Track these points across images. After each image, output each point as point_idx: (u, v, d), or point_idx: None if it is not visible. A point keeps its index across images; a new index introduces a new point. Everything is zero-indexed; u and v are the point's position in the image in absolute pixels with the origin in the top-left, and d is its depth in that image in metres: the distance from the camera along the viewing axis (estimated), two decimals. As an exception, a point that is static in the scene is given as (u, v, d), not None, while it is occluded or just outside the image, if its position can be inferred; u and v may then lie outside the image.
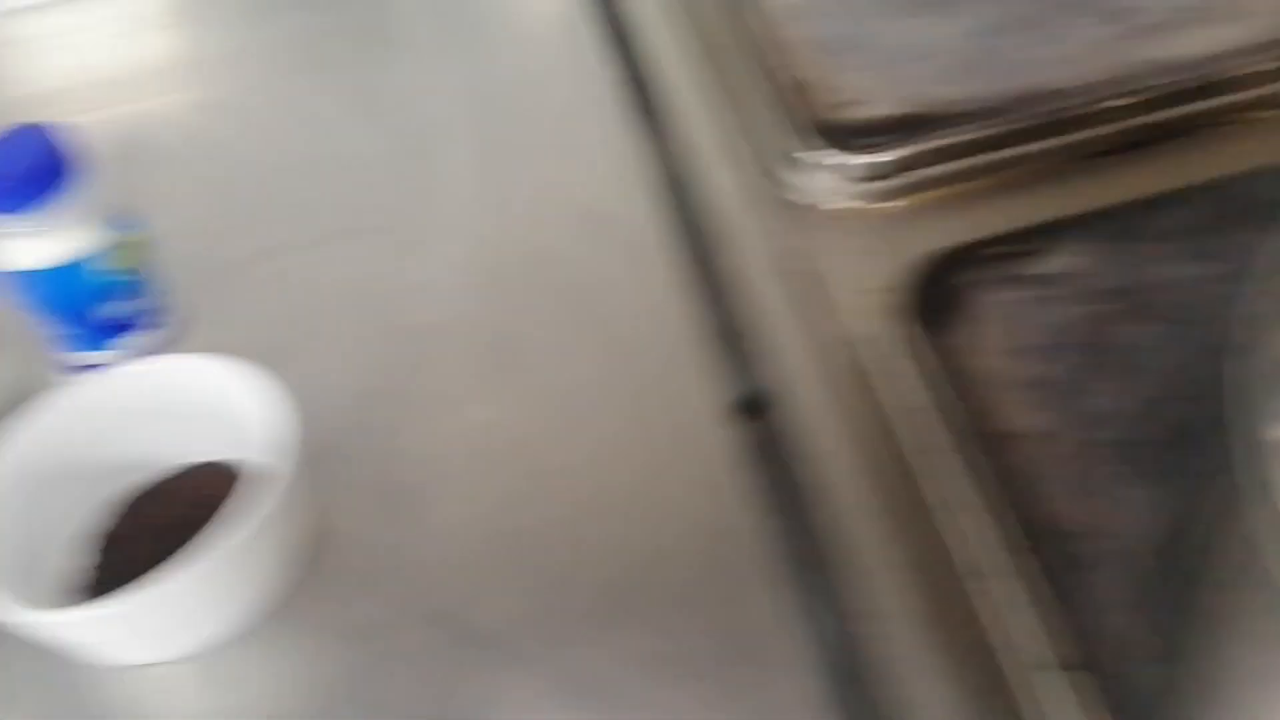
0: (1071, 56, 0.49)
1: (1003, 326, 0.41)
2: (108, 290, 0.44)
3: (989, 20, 0.52)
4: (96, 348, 0.45)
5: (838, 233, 0.47)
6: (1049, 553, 0.34)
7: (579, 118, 0.55)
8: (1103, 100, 0.47)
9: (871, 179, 0.47)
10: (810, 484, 0.39)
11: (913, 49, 0.51)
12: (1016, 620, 0.33)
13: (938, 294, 0.41)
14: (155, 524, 0.39)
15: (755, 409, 0.42)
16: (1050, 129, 0.47)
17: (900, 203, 0.47)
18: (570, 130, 0.54)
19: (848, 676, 0.35)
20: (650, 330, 0.45)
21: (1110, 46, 0.49)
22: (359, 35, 0.62)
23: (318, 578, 0.39)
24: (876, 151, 0.47)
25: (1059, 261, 0.43)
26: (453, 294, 0.48)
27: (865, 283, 0.43)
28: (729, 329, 0.45)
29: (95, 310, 0.44)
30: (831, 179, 0.48)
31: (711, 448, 0.41)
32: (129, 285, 0.44)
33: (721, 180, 0.50)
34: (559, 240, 0.49)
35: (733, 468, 0.40)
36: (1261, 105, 0.48)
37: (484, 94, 0.57)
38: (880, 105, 0.49)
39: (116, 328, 0.45)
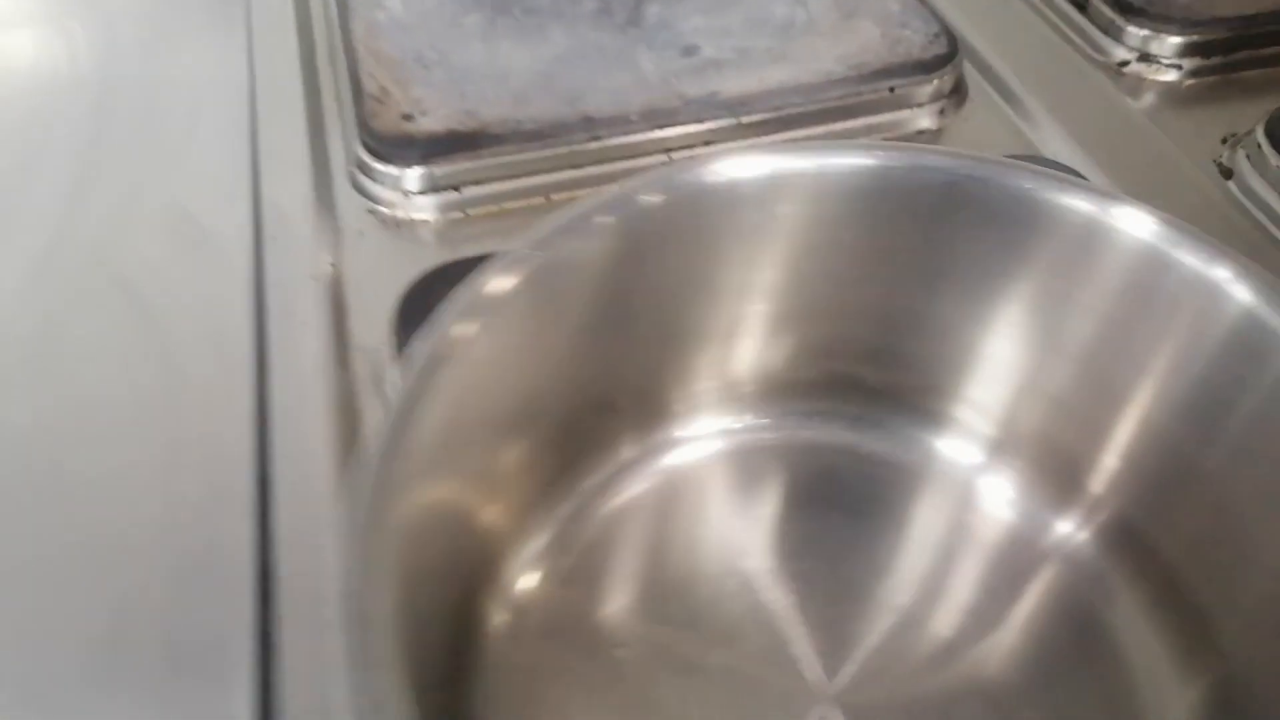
0: (625, 87, 0.52)
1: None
2: None
3: (567, 48, 0.55)
4: None
5: (377, 242, 0.48)
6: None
7: (183, 116, 0.55)
8: (633, 129, 0.50)
9: (420, 191, 0.49)
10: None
11: (492, 70, 0.53)
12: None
13: (419, 309, 0.43)
14: None
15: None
16: (589, 156, 0.50)
17: (446, 215, 0.49)
18: (170, 129, 0.54)
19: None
20: (208, 340, 0.45)
21: (663, 81, 0.53)
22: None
23: None
24: (428, 164, 0.49)
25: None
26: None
27: (382, 294, 0.45)
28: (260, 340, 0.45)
29: None
30: (381, 189, 0.49)
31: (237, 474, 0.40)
32: None
33: (289, 185, 0.51)
34: (137, 242, 0.48)
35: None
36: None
37: (85, 80, 0.57)
38: (442, 119, 0.50)
39: None
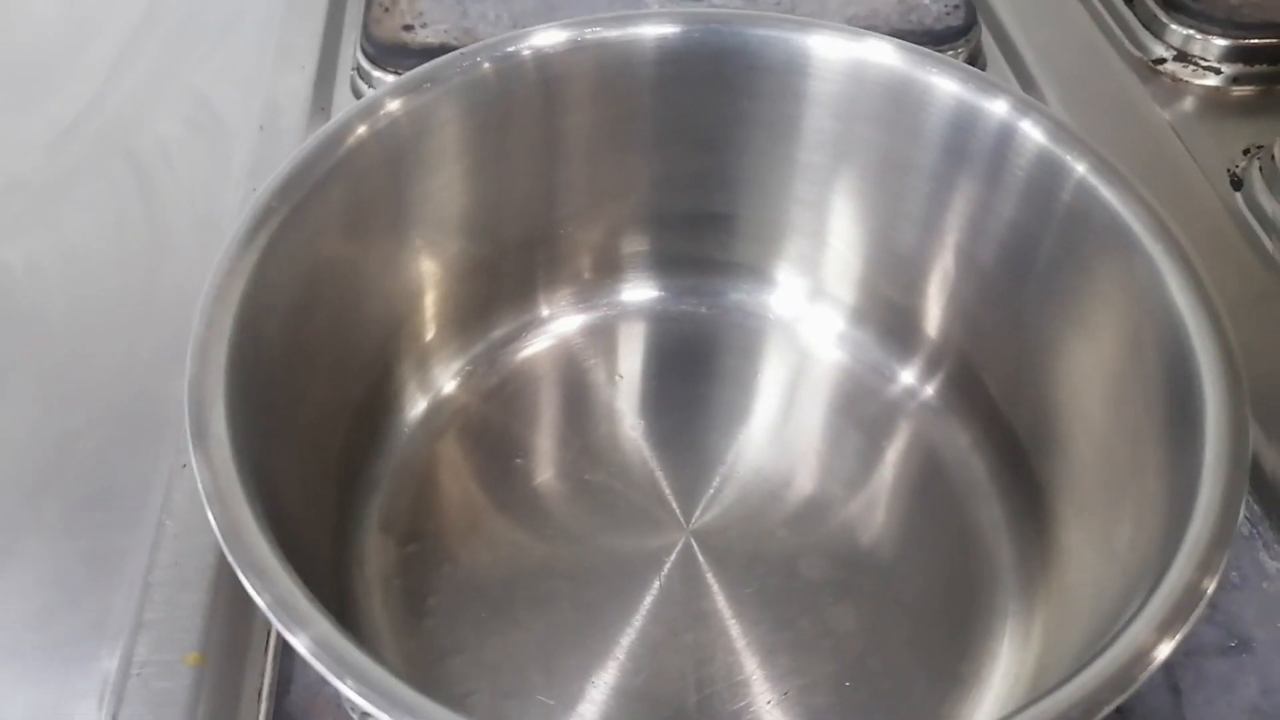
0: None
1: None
2: None
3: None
4: None
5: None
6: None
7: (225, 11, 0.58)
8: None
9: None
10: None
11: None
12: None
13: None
14: None
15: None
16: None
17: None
18: (211, 22, 0.58)
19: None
20: (196, 218, 0.48)
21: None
22: None
23: None
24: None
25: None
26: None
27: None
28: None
29: None
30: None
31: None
32: None
33: (292, 83, 0.53)
34: (154, 121, 0.52)
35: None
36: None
37: None
38: (439, 33, 0.52)
39: None
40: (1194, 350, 0.29)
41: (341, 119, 0.35)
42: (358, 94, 0.52)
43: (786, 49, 0.38)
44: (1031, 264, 0.36)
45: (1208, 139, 0.51)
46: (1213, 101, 0.53)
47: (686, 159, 0.41)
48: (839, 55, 0.38)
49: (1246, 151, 0.50)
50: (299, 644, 0.24)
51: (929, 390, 0.42)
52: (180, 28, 0.58)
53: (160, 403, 0.40)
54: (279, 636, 0.34)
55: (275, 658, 0.34)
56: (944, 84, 0.36)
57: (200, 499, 0.33)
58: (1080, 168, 0.34)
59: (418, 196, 0.38)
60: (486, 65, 0.37)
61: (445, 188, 0.38)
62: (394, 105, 0.36)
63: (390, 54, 0.52)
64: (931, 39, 0.52)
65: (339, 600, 0.34)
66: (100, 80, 0.54)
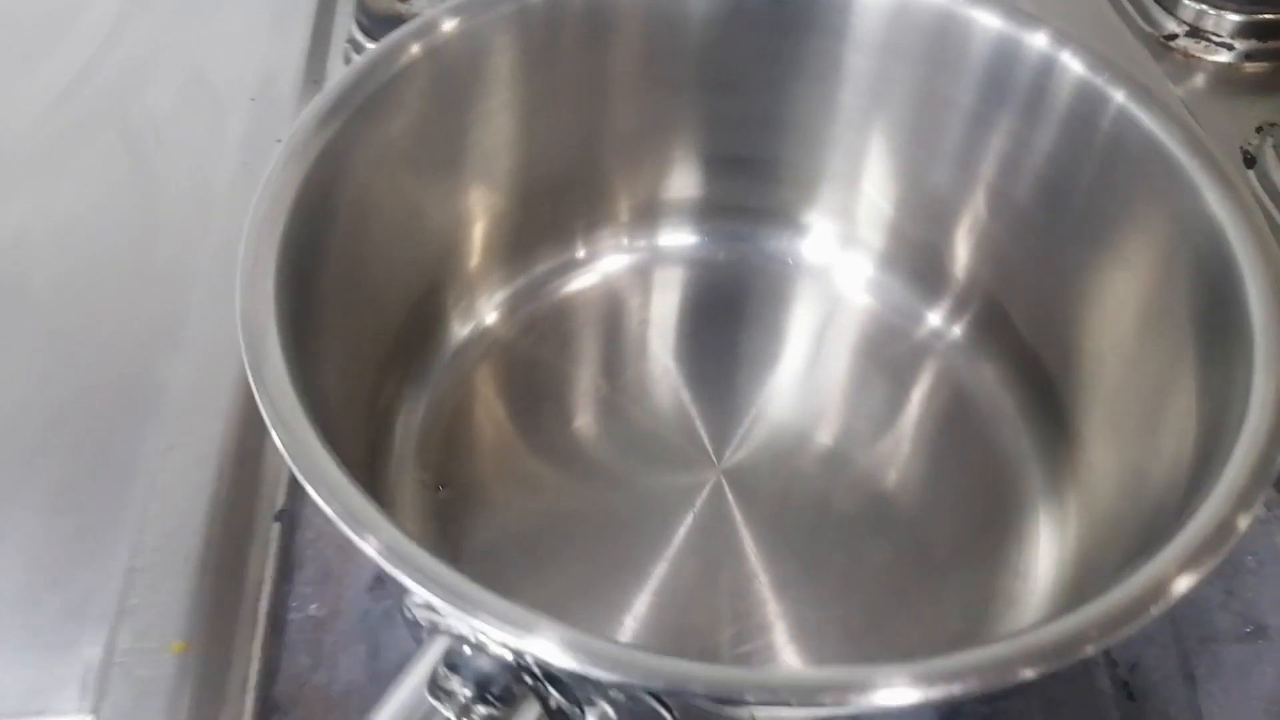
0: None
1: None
2: None
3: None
4: None
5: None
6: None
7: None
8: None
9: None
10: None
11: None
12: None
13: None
14: None
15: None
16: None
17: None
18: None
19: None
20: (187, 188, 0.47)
21: None
22: None
23: None
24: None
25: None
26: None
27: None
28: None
29: None
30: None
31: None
32: None
33: (285, 54, 0.53)
34: (148, 91, 0.52)
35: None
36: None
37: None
38: (432, 4, 0.52)
39: None
40: (1237, 261, 0.29)
41: (395, 37, 0.35)
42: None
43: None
44: (1068, 196, 0.36)
45: (1221, 116, 0.51)
46: (1225, 78, 0.54)
47: (728, 100, 0.41)
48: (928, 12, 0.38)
49: (1260, 129, 0.50)
50: (370, 549, 0.23)
51: (956, 331, 0.42)
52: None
53: (150, 380, 0.40)
54: (266, 623, 0.34)
55: (263, 645, 0.34)
56: (984, 19, 0.37)
57: (186, 483, 0.33)
58: (1119, 95, 0.34)
59: (468, 122, 0.37)
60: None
61: (495, 114, 0.38)
62: (449, 26, 0.35)
63: (384, 25, 0.51)
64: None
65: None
66: (92, 50, 0.54)
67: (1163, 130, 0.33)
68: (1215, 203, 0.31)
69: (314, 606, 0.34)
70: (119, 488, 0.37)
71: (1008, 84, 0.37)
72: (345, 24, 0.54)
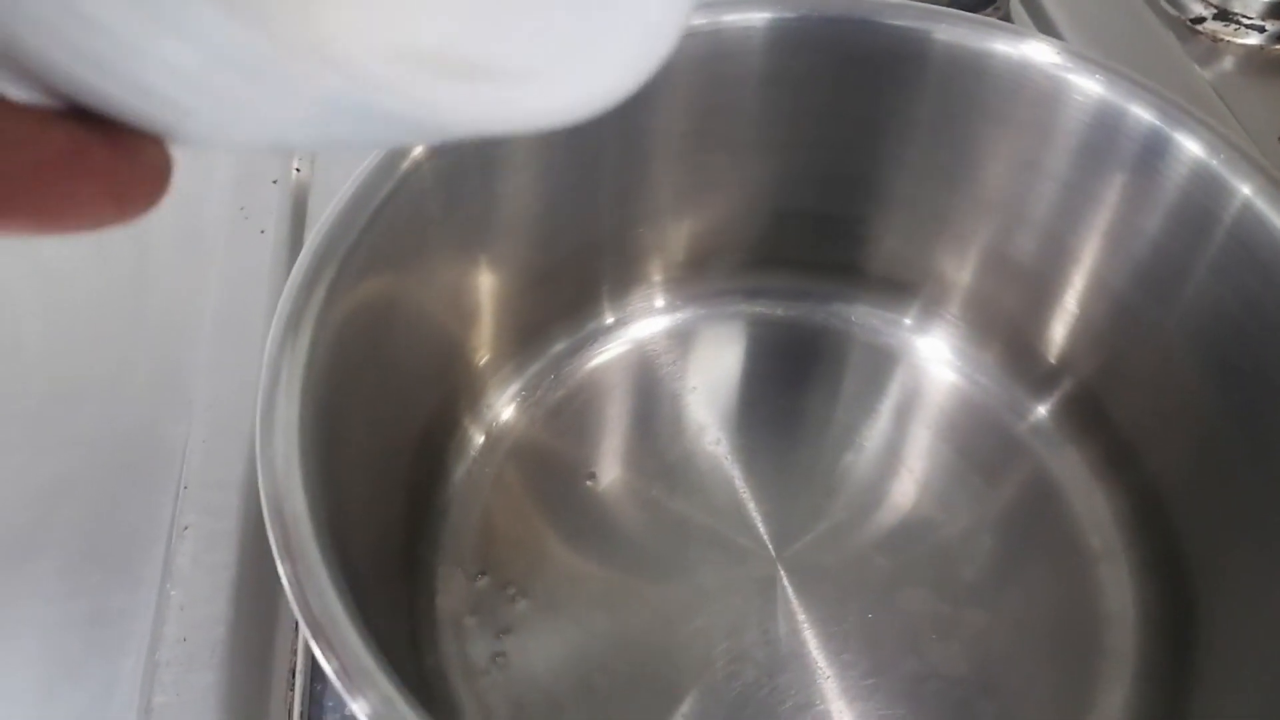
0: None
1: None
2: None
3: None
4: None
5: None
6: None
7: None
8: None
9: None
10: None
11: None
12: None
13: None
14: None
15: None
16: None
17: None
18: None
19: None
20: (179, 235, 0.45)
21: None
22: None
23: None
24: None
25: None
26: None
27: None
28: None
29: None
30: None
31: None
32: None
33: None
34: None
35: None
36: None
37: None
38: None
39: None
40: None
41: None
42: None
43: (903, 39, 0.35)
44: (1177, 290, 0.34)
45: (1254, 101, 0.49)
46: (1256, 61, 0.52)
47: (787, 156, 0.38)
48: (961, 44, 0.35)
49: (1294, 114, 0.49)
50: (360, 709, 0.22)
51: (1049, 415, 0.39)
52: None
53: (153, 442, 0.38)
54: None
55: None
56: (1083, 82, 0.34)
57: (206, 566, 0.32)
58: (1245, 189, 0.31)
59: (481, 206, 0.35)
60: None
61: (512, 196, 0.36)
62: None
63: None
64: (963, 2, 0.51)
65: (410, 642, 0.32)
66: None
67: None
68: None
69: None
70: (132, 565, 0.35)
71: (1109, 155, 0.34)
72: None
